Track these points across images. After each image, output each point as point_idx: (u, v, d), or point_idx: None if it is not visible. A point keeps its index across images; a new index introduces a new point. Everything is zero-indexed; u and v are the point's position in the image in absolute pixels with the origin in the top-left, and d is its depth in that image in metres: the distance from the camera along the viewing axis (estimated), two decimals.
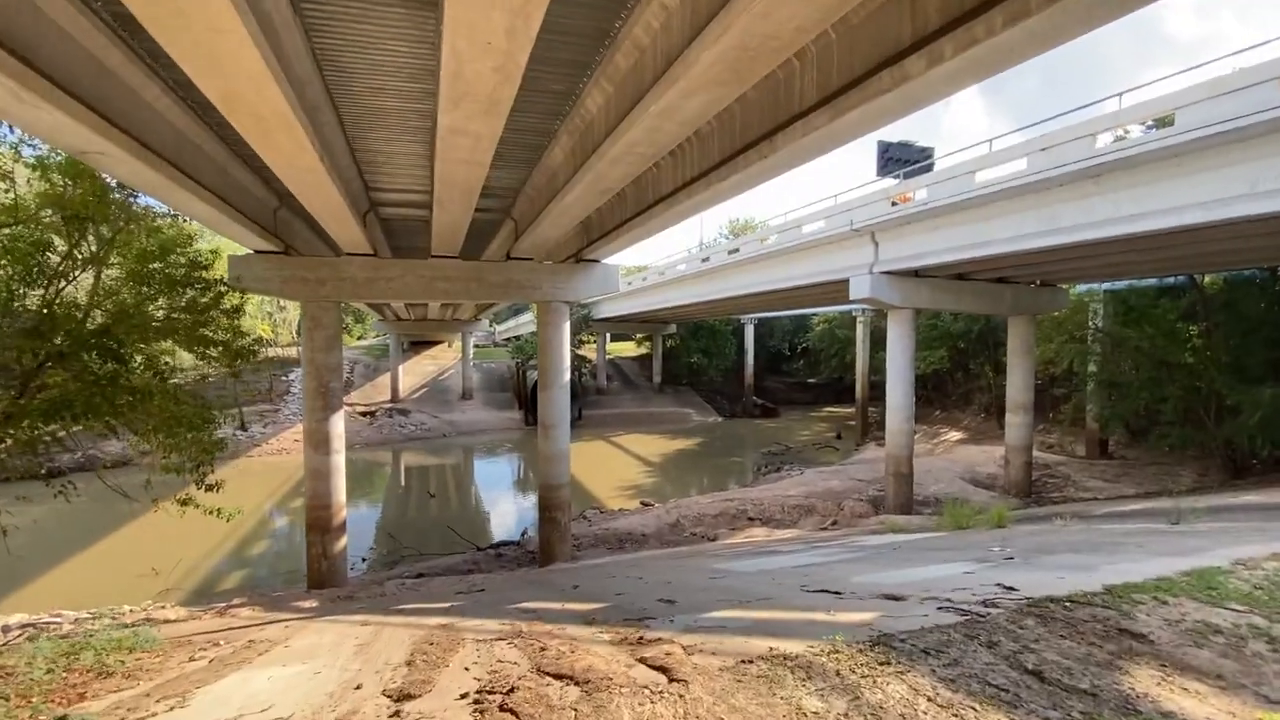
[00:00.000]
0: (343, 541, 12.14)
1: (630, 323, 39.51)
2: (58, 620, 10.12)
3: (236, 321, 9.94)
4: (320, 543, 11.86)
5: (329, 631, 5.81)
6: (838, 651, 3.24)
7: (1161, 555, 5.40)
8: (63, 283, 7.35)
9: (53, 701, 3.65)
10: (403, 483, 25.73)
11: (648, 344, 44.75)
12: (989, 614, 3.74)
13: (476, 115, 5.36)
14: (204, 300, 9.39)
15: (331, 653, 4.61)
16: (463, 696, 3.04)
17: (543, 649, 3.88)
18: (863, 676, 2.93)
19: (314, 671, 4.02)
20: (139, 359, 7.87)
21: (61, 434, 7.90)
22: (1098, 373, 17.55)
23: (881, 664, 3.07)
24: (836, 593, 5.02)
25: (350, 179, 9.43)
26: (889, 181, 16.08)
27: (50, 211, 7.00)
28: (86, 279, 8.02)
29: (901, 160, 16.61)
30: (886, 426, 16.78)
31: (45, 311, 7.06)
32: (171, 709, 3.48)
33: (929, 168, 15.65)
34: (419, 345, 43.05)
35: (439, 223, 9.86)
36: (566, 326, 13.65)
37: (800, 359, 47.01)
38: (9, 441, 6.94)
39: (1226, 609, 3.70)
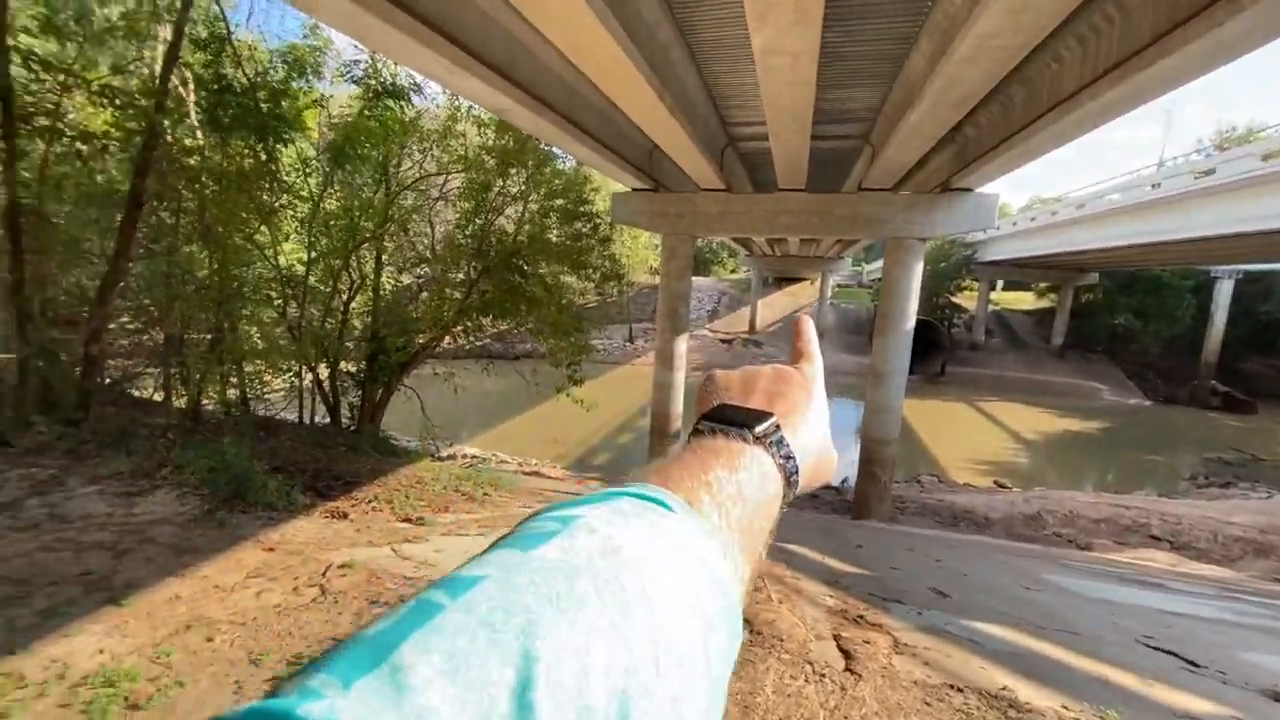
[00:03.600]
0: (676, 447, 13.83)
1: (1030, 268, 32.59)
2: (491, 456, 14.27)
3: (608, 250, 11.85)
4: (660, 444, 13.74)
5: None
6: None
7: None
8: (494, 216, 9.88)
9: (430, 507, 5.30)
10: None
11: (1051, 296, 36.39)
12: None
13: (787, 29, 5.01)
14: (585, 230, 11.42)
15: None
16: None
17: (756, 589, 3.86)
18: None
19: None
20: (535, 276, 10.14)
21: (493, 328, 10.94)
22: None
23: None
24: (1191, 663, 3.58)
25: (704, 115, 9.99)
26: None
27: (488, 158, 9.39)
28: (511, 211, 10.60)
29: None
30: None
31: (483, 236, 9.66)
32: (482, 534, 4.68)
33: None
34: (781, 281, 44.15)
35: (777, 154, 9.72)
36: (918, 268, 12.14)
37: None
38: (461, 328, 9.92)
39: None
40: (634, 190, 13.22)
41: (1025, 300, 39.94)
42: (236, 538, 3.85)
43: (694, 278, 43.07)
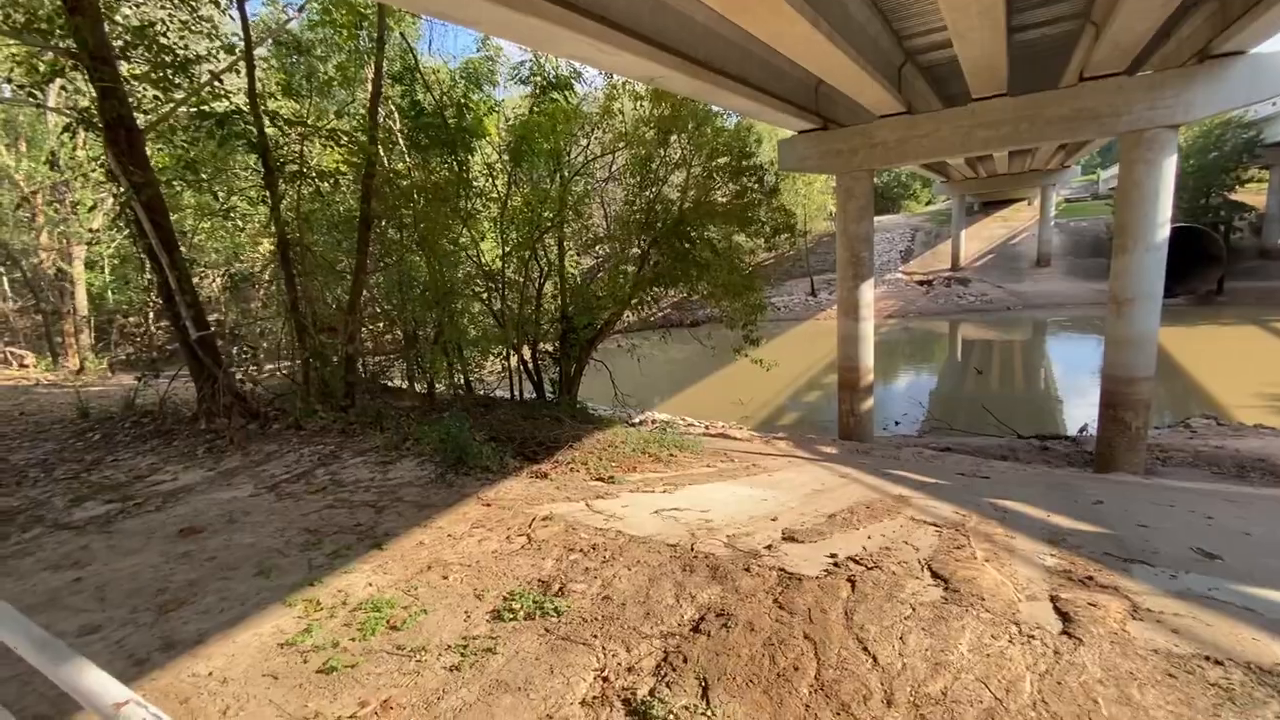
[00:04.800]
0: (869, 402, 13.03)
1: None
2: (679, 420, 14.79)
3: (775, 201, 11.40)
4: (849, 400, 13.08)
5: (810, 472, 6.70)
6: None
7: None
8: (658, 187, 10.04)
9: (620, 467, 5.69)
10: (953, 355, 24.86)
11: None
12: None
13: None
14: (751, 185, 11.09)
15: (791, 490, 5.39)
16: (831, 556, 3.19)
17: (958, 546, 3.56)
18: None
19: (762, 498, 4.85)
20: (703, 241, 10.14)
21: (668, 297, 11.23)
22: None
23: None
24: None
25: (872, 35, 9.07)
26: None
27: (647, 130, 9.54)
28: (675, 179, 10.69)
29: None
30: None
31: (649, 209, 9.90)
32: (665, 491, 4.92)
33: None
34: (989, 206, 38.59)
35: (965, 59, 8.47)
36: (1168, 165, 9.81)
37: None
38: (638, 300, 10.35)
39: None
40: (800, 133, 12.49)
41: None
42: (462, 495, 4.55)
43: (879, 216, 39.75)
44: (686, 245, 9.71)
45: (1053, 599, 2.70)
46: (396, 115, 8.75)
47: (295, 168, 7.08)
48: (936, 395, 19.47)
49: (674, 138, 9.99)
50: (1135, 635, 2.35)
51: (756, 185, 11.02)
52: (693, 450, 7.12)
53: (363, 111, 8.01)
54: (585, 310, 9.99)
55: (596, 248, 11.69)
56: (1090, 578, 3.06)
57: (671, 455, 6.36)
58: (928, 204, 46.74)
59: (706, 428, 13.84)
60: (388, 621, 2.77)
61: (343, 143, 7.07)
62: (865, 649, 2.32)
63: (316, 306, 7.53)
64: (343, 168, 7.49)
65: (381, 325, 9.96)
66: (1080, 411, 16.54)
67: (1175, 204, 10.74)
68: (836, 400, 13.49)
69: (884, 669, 2.19)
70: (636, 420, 12.14)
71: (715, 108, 10.86)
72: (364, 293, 7.91)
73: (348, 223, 8.26)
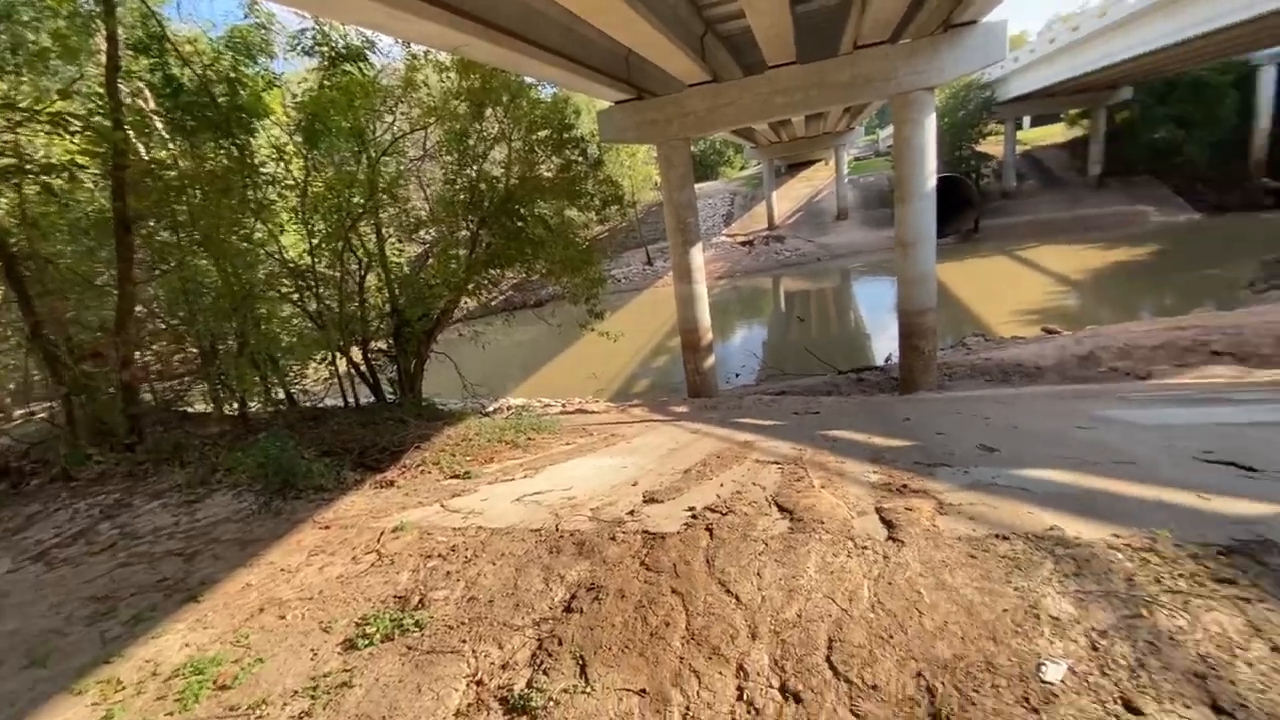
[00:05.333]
0: (711, 360, 13.76)
1: (1057, 96, 30.18)
2: (536, 403, 14.56)
3: (601, 173, 11.43)
4: (693, 359, 13.72)
5: (665, 433, 6.93)
6: (1154, 551, 2.30)
7: None
8: (480, 164, 9.58)
9: (475, 460, 5.45)
10: (778, 307, 27.11)
11: (1083, 123, 33.76)
12: None
13: None
14: (575, 158, 11.00)
15: (648, 453, 5.52)
16: (689, 510, 3.32)
17: (798, 479, 3.87)
18: (1170, 592, 2.04)
19: (622, 466, 4.92)
20: (534, 218, 9.90)
21: (507, 279, 10.87)
22: None
23: (1219, 581, 2.07)
24: (1250, 469, 3.47)
25: (671, 2, 9.27)
26: None
27: (458, 104, 9.01)
28: (497, 155, 10.26)
29: None
30: None
31: (473, 187, 9.43)
32: (526, 477, 4.80)
33: None
34: (794, 168, 42.22)
35: (758, 28, 9.02)
36: (930, 123, 11.32)
37: None
38: (474, 285, 9.89)
39: None
40: (617, 104, 12.59)
41: (1055, 133, 37.18)
42: (294, 522, 4.06)
43: (701, 183, 41.67)
44: (518, 223, 9.42)
45: (878, 510, 3.04)
46: (149, 94, 7.34)
47: (9, 161, 5.63)
48: (769, 345, 21.19)
49: (489, 111, 9.55)
50: (943, 528, 2.72)
51: (580, 158, 10.96)
52: (551, 430, 7.04)
53: (99, 89, 6.59)
54: (417, 301, 9.34)
55: (421, 232, 10.94)
56: (905, 486, 3.49)
57: (529, 439, 6.22)
58: (742, 169, 49.96)
59: (564, 406, 13.80)
60: (215, 681, 2.39)
61: (74, 128, 5.75)
62: (728, 590, 2.44)
63: (71, 330, 6.18)
64: (80, 159, 6.13)
65: (168, 343, 8.50)
66: (884, 343, 18.92)
67: (938, 157, 12.64)
68: (683, 361, 14.11)
69: (746, 605, 2.33)
70: (490, 409, 11.74)
71: (529, 79, 10.54)
72: (136, 307, 6.63)
73: (101, 226, 6.84)
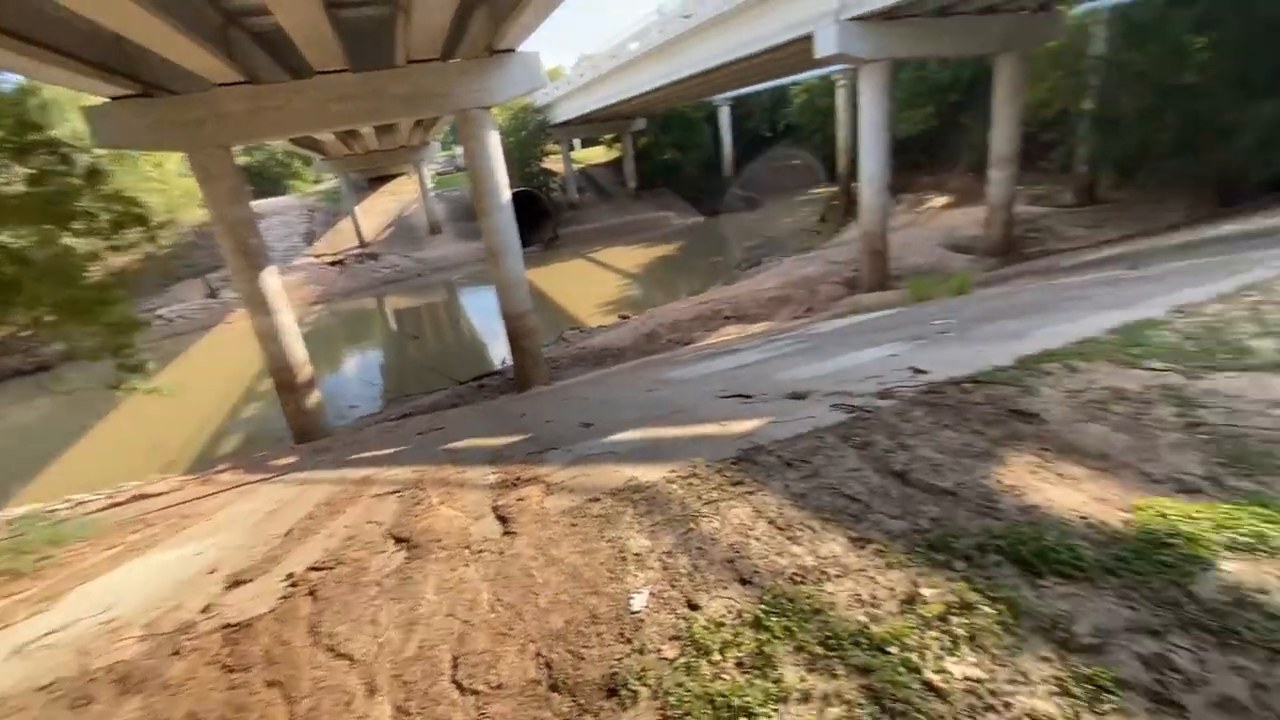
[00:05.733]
0: (315, 397, 12.15)
1: (594, 123, 36.16)
2: (61, 505, 10.51)
3: (105, 187, 8.78)
4: (293, 400, 11.89)
5: (262, 495, 5.79)
6: (695, 475, 2.95)
7: (1104, 309, 4.97)
8: None
9: None
10: (388, 327, 25.68)
11: (617, 146, 41.46)
12: (879, 407, 3.39)
13: None
14: (56, 168, 8.17)
15: (237, 526, 4.51)
16: (288, 577, 2.83)
17: (418, 502, 3.68)
18: (707, 504, 2.64)
19: (196, 553, 3.90)
20: None
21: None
22: (1094, 109, 15.87)
23: (734, 484, 2.77)
24: (747, 396, 4.74)
25: None
26: None
27: None
28: None
29: None
30: (860, 202, 15.77)
31: None
32: (36, 615, 3.38)
33: None
34: (376, 182, 40.22)
35: (289, 27, 8.17)
36: (494, 139, 12.13)
37: (787, 138, 43.48)
38: None
39: (1143, 369, 3.31)
40: (115, 100, 9.82)
41: (600, 154, 44.68)
42: None
43: (268, 199, 36.19)
44: None
45: (494, 509, 3.12)
46: None
47: None
48: (387, 368, 19.92)
49: None
50: (550, 507, 2.95)
51: (63, 167, 8.19)
52: (83, 537, 5.17)
53: None
54: None
55: None
56: (519, 479, 3.67)
57: (42, 560, 4.41)
58: (316, 183, 45.23)
59: (111, 498, 10.29)
60: None
61: None
62: (339, 654, 2.15)
63: None
64: None
65: None
66: (499, 348, 19.82)
67: (512, 173, 13.77)
68: (281, 404, 12.09)
69: (361, 662, 2.09)
70: None
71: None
72: None
73: None
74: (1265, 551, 1.90)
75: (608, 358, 15.04)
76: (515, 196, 13.43)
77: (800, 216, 33.75)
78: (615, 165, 41.66)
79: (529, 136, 35.25)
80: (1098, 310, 5.00)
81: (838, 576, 2.02)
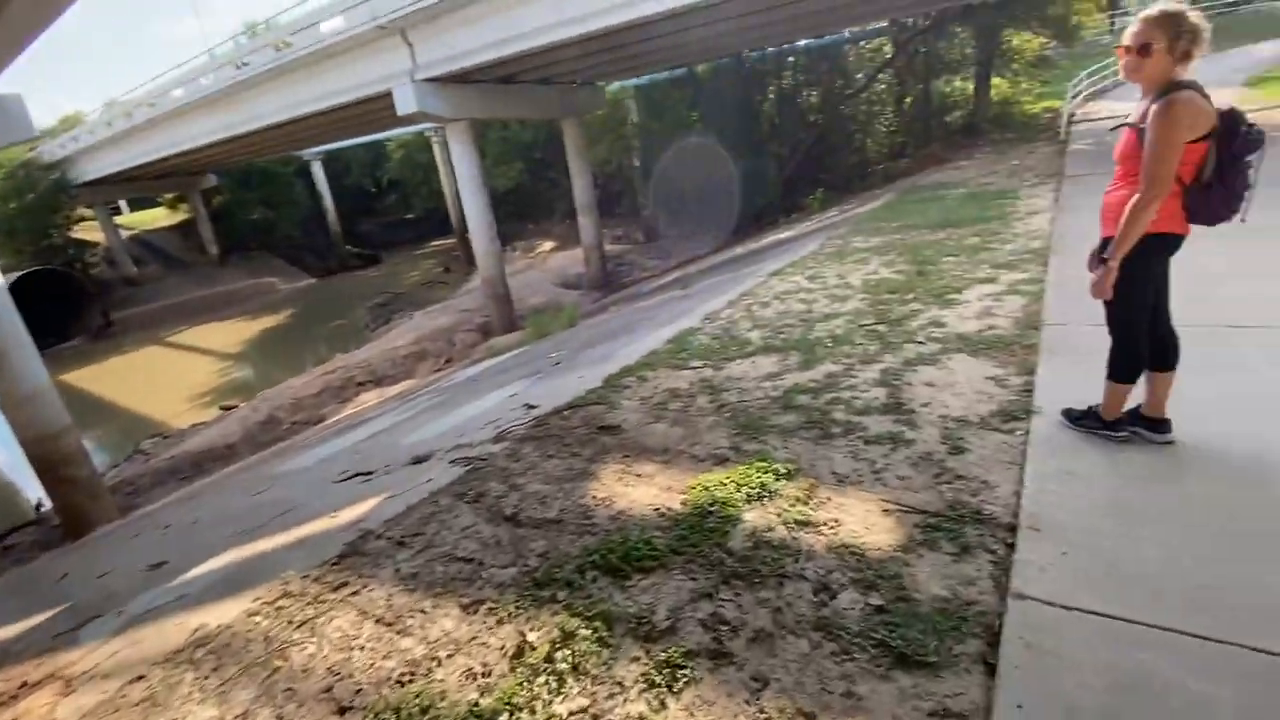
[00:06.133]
0: None
1: (142, 181, 29.28)
2: None
3: None
4: None
5: None
6: (286, 595, 2.48)
7: (665, 325, 6.10)
8: None
9: None
10: None
11: (184, 206, 34.35)
12: (493, 453, 3.43)
13: None
14: None
15: None
16: None
17: None
18: (300, 626, 2.22)
19: None
20: None
21: None
22: (640, 165, 19.82)
23: (336, 590, 2.41)
24: (368, 473, 4.29)
25: None
26: None
27: None
28: None
29: None
30: (474, 250, 16.36)
31: None
32: None
33: None
34: None
35: None
36: None
37: (393, 193, 42.39)
38: None
39: (689, 369, 4.11)
40: None
41: (160, 216, 36.35)
42: None
43: None
44: None
45: None
46: None
47: None
48: None
49: None
50: (64, 716, 2.08)
51: None
52: None
53: None
54: None
55: None
56: (25, 684, 2.55)
57: None
58: None
59: None
60: None
61: None
62: None
63: None
64: None
65: None
66: (33, 487, 14.20)
67: (19, 248, 9.76)
68: None
69: None
70: None
71: None
72: None
73: None
74: (768, 496, 2.49)
75: (211, 461, 12.20)
76: (25, 279, 9.59)
77: (425, 269, 33.34)
78: (185, 228, 34.38)
79: (40, 201, 26.44)
80: (660, 326, 6.10)
81: (449, 656, 1.89)
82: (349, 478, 4.49)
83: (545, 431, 3.52)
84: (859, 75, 19.20)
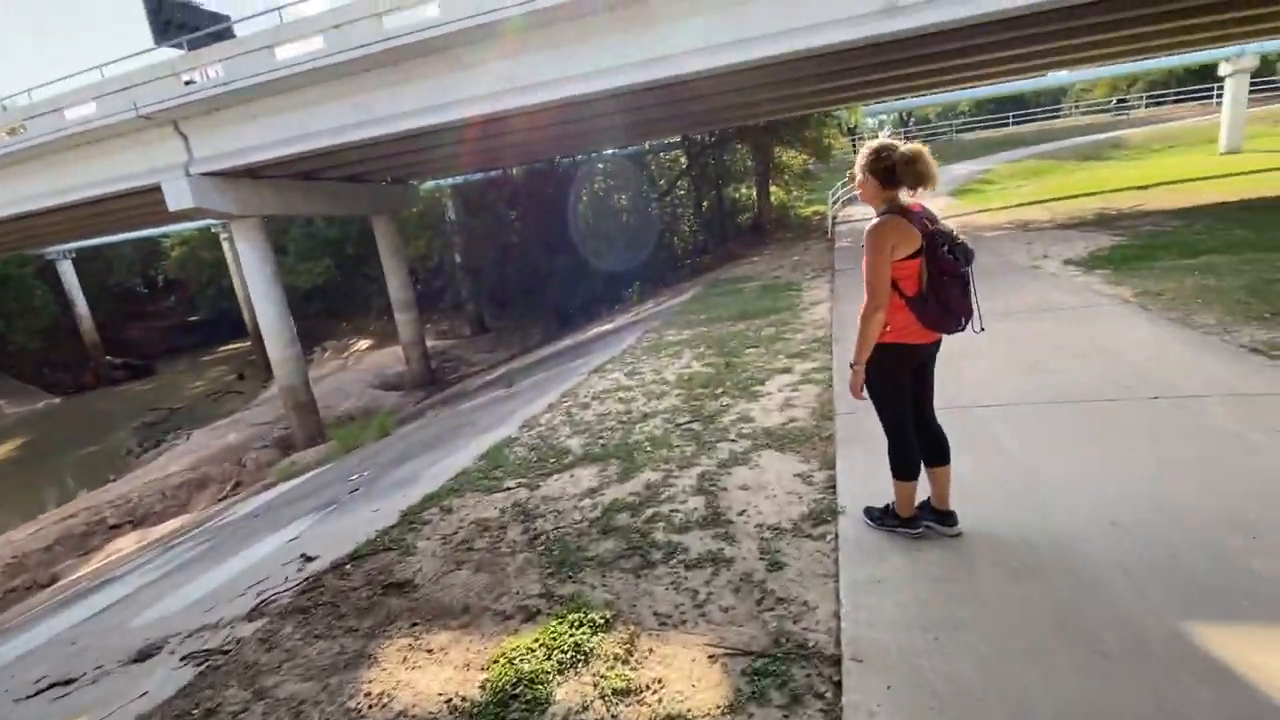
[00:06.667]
0: None
1: None
2: None
3: None
4: None
5: None
6: None
7: (483, 433, 5.64)
8: None
9: None
10: None
11: None
12: (242, 640, 2.68)
13: None
14: None
15: None
16: None
17: None
18: None
19: None
20: None
21: None
22: (462, 260, 19.48)
23: None
24: (69, 682, 3.20)
25: None
26: (173, 52, 12.32)
27: None
28: None
29: (186, 25, 12.87)
30: (270, 357, 14.51)
31: None
32: None
33: (226, 35, 12.64)
34: None
35: None
36: None
37: (172, 294, 36.92)
38: None
39: (501, 491, 3.70)
40: None
41: None
42: None
43: None
44: None
45: None
46: None
47: None
48: None
49: None
50: None
51: None
52: None
53: None
54: None
55: None
56: None
57: None
58: None
59: None
60: None
61: None
62: None
63: None
64: None
65: None
66: None
67: None
68: None
69: None
70: None
71: None
72: None
73: None
74: (583, 660, 2.13)
75: None
76: None
77: (213, 378, 28.92)
78: None
79: None
80: (478, 434, 5.62)
81: None
82: (42, 690, 3.30)
83: (317, 598, 2.85)
84: (662, 181, 21.14)
